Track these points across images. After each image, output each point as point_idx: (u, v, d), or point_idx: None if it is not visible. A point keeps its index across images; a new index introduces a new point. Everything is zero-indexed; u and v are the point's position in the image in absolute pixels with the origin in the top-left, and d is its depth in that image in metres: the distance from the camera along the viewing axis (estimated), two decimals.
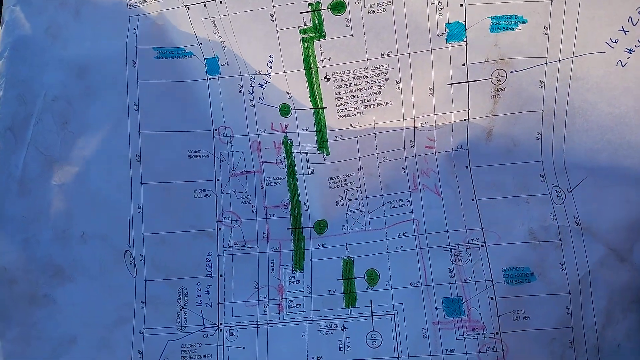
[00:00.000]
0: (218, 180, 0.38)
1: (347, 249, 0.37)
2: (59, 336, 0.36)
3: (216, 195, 0.38)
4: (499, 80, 0.33)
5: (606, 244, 0.34)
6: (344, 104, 0.35)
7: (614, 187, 0.34)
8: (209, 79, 0.38)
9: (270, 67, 0.35)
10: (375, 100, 0.35)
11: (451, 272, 0.35)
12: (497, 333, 0.33)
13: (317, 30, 0.34)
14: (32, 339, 0.36)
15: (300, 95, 0.36)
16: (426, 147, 0.36)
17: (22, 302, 0.36)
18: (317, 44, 0.34)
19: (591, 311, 0.33)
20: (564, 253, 0.34)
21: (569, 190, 0.35)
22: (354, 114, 0.35)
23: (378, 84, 0.34)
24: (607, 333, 0.33)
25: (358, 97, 0.35)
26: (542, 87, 0.33)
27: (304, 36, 0.35)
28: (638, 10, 0.31)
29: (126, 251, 0.37)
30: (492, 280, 0.34)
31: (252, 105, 0.37)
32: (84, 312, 0.36)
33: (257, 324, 0.36)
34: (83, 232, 0.37)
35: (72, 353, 0.36)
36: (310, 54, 0.34)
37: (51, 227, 0.37)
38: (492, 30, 0.32)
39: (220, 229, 0.38)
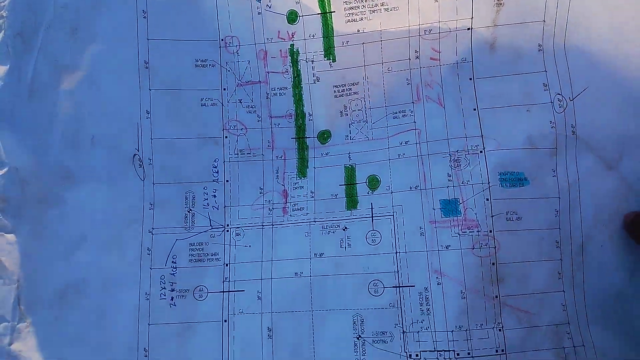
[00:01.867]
0: (224, 89, 0.39)
1: (349, 157, 0.38)
2: (71, 235, 0.37)
3: (222, 104, 0.39)
4: None
5: (597, 153, 0.35)
6: (351, 8, 0.36)
7: (610, 99, 0.35)
8: None
9: None
10: (382, 4, 0.36)
11: (449, 176, 0.36)
12: (490, 231, 0.34)
13: None
14: (45, 237, 0.37)
15: (309, 1, 0.36)
16: (431, 58, 0.37)
17: (33, 202, 0.38)
18: None
19: (578, 215, 0.35)
20: (557, 160, 0.35)
21: (571, 99, 0.36)
22: (362, 19, 0.36)
23: None
24: (592, 234, 0.35)
25: (365, 1, 0.35)
26: None
27: None
28: None
29: (135, 155, 0.38)
30: (488, 183, 0.35)
31: (259, 13, 0.38)
32: (93, 212, 0.38)
33: (263, 225, 0.37)
34: (93, 137, 0.38)
35: (84, 250, 0.37)
36: None
37: (61, 132, 0.38)
38: None
39: (226, 137, 0.39)
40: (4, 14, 0.39)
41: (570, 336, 0.34)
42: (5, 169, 0.38)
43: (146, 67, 0.38)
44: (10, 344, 0.36)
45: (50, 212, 0.37)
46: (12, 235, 0.37)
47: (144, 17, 0.38)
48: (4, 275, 0.37)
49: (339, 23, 0.36)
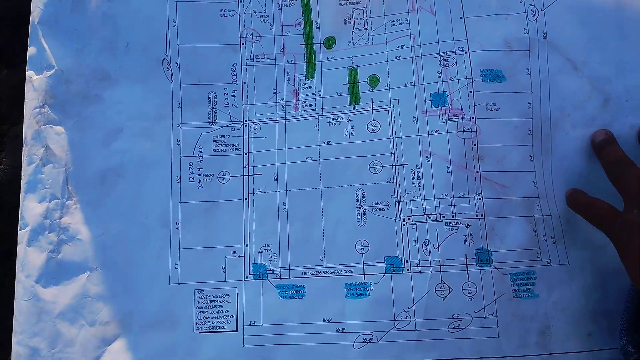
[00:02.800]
0: (240, 1, 0.44)
1: (352, 60, 0.43)
2: (108, 127, 0.43)
3: (239, 15, 0.44)
4: None
5: (565, 56, 0.41)
6: None
7: (577, 8, 0.41)
8: None
9: None
10: None
11: (439, 73, 0.41)
12: (472, 118, 0.40)
13: None
14: (87, 128, 0.43)
15: None
16: None
17: (76, 98, 0.43)
18: None
19: (547, 107, 0.40)
20: (531, 60, 0.41)
21: (542, 9, 0.41)
22: None
23: None
24: (559, 124, 0.40)
25: None
26: None
27: None
28: None
29: (164, 59, 0.44)
30: (471, 78, 0.41)
31: None
32: (128, 108, 0.43)
33: (277, 120, 0.43)
34: (127, 43, 0.44)
35: (120, 140, 0.43)
36: None
37: (100, 39, 0.44)
38: None
39: (242, 44, 0.44)
40: None
41: (539, 207, 0.40)
42: (53, 70, 0.43)
43: None
44: (60, 217, 0.42)
45: (91, 107, 0.43)
46: (60, 127, 0.43)
47: None
48: (54, 160, 0.42)
49: None
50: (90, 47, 0.43)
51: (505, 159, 0.40)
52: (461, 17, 0.42)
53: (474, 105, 0.40)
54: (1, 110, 0.51)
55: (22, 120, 0.44)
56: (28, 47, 0.44)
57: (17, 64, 0.53)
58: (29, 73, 0.44)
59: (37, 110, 0.43)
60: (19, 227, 0.42)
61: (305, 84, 0.44)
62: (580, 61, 0.41)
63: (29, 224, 0.42)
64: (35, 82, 0.43)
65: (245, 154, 0.43)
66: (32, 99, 0.43)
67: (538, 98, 0.41)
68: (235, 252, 0.41)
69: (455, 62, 0.41)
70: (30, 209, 0.42)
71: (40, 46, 0.44)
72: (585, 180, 0.40)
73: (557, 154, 0.40)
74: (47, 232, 0.41)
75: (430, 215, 0.39)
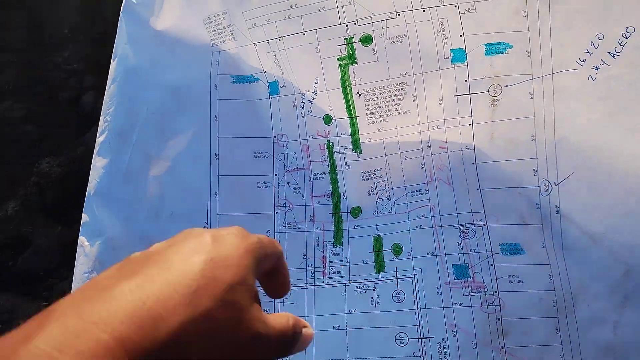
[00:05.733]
0: (276, 175, 0.49)
1: (377, 229, 0.46)
2: None
3: (274, 187, 0.49)
4: (496, 93, 0.43)
5: (581, 228, 0.42)
6: (372, 113, 0.46)
7: (594, 182, 0.43)
8: (271, 97, 0.49)
9: (316, 87, 0.47)
10: (396, 109, 0.46)
11: (460, 245, 0.44)
12: (495, 292, 0.41)
13: (350, 58, 0.46)
14: None
15: (339, 108, 0.47)
16: (440, 147, 0.46)
17: None
18: (351, 68, 0.46)
19: (567, 280, 0.41)
20: (544, 234, 0.42)
21: (556, 184, 0.44)
22: (380, 121, 0.46)
23: (399, 97, 0.45)
24: (579, 296, 0.41)
25: (383, 107, 0.46)
26: (532, 98, 0.43)
27: (341, 63, 0.46)
28: (597, 37, 0.41)
29: (205, 227, 0.48)
30: (491, 251, 0.43)
31: (302, 117, 0.48)
32: None
33: (306, 286, 0.45)
34: (172, 212, 0.48)
35: None
36: (346, 76, 0.46)
37: (147, 209, 0.48)
38: (486, 54, 0.43)
39: (276, 213, 0.48)
40: (109, 119, 0.50)
41: None
42: (104, 238, 0.47)
43: (216, 158, 0.49)
44: None
45: None
46: None
47: (216, 120, 0.49)
48: None
49: (362, 125, 0.46)
50: (137, 215, 0.48)
51: (531, 333, 0.40)
52: (477, 189, 0.45)
53: (497, 279, 0.42)
54: (52, 265, 0.56)
55: (70, 277, 0.47)
56: (82, 214, 0.49)
57: (69, 222, 0.58)
58: (81, 239, 0.48)
59: (87, 275, 0.47)
60: None
61: (333, 250, 0.46)
62: (598, 233, 0.42)
63: None
64: (86, 248, 0.48)
65: None
66: (82, 264, 0.47)
67: (557, 271, 0.42)
68: None
69: (475, 234, 0.43)
70: None
71: (93, 215, 0.49)
72: (613, 349, 0.39)
73: (582, 327, 0.40)
74: None
75: None
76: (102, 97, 0.51)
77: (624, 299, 0.40)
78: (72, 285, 0.47)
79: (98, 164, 0.50)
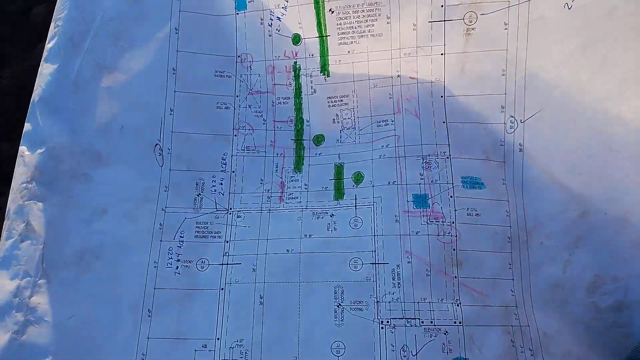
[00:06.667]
0: (237, 96, 0.46)
1: (339, 157, 0.45)
2: (93, 207, 0.43)
3: (234, 108, 0.46)
4: (471, 22, 0.42)
5: (542, 167, 0.42)
6: (343, 33, 0.44)
7: (560, 122, 0.42)
8: (237, 14, 0.46)
9: (287, 1, 0.44)
10: (369, 31, 0.44)
11: (422, 175, 0.43)
12: (453, 222, 0.41)
13: None
14: (71, 207, 0.43)
15: (309, 26, 0.44)
16: (410, 77, 0.44)
17: (64, 176, 0.44)
18: None
19: (522, 216, 0.41)
20: (506, 171, 0.42)
21: (522, 122, 0.43)
22: (351, 42, 0.44)
23: (372, 17, 0.44)
24: (534, 234, 0.41)
25: (355, 27, 0.44)
26: (506, 29, 0.42)
27: None
28: None
29: (156, 144, 0.45)
30: (452, 183, 0.42)
31: (269, 35, 0.46)
32: (115, 190, 0.44)
33: (261, 210, 0.44)
34: (122, 126, 0.45)
35: (104, 221, 0.43)
36: None
37: (96, 120, 0.45)
38: None
39: (235, 135, 0.46)
40: (59, 24, 0.46)
41: (517, 317, 0.39)
42: (44, 148, 0.44)
43: (174, 74, 0.46)
44: (30, 296, 0.41)
45: (78, 186, 0.43)
46: (41, 203, 0.43)
47: (176, 33, 0.46)
48: (33, 236, 0.42)
49: (333, 45, 0.45)
50: (85, 127, 0.45)
51: (484, 266, 0.40)
52: (444, 122, 0.44)
53: (455, 210, 0.41)
54: None
55: (6, 193, 0.44)
56: (25, 123, 0.45)
57: (11, 138, 0.54)
58: (22, 148, 0.44)
59: (24, 185, 0.43)
60: None
61: (292, 177, 0.45)
62: (559, 172, 0.42)
63: None
64: (26, 157, 0.44)
65: (227, 242, 0.43)
66: (20, 174, 0.44)
67: (514, 207, 0.41)
68: (205, 346, 0.39)
69: (437, 165, 0.43)
70: (2, 285, 0.41)
71: (36, 123, 0.45)
72: (561, 289, 0.40)
73: (533, 263, 0.40)
74: (14, 311, 0.40)
75: (409, 320, 0.39)
76: (53, 11, 0.47)
77: (577, 239, 0.40)
78: (10, 196, 0.44)
79: (45, 70, 0.46)
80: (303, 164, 0.45)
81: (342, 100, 0.45)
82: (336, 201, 0.43)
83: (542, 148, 0.42)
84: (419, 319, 0.39)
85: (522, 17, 0.41)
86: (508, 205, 0.42)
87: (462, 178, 0.42)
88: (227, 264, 0.42)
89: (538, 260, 0.40)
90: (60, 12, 0.46)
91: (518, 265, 0.40)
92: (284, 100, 0.46)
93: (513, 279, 0.40)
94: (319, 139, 0.46)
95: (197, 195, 0.44)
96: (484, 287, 0.40)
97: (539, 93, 0.42)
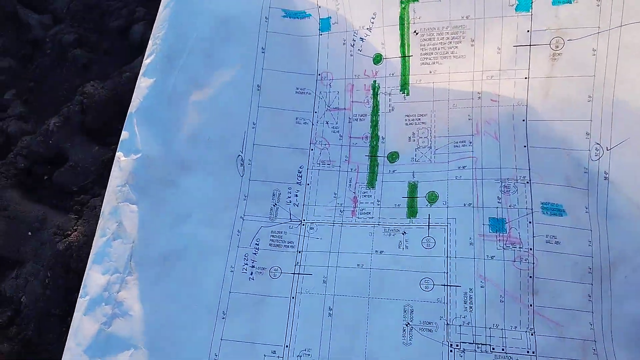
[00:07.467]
0: (315, 112, 0.48)
1: (413, 175, 0.45)
2: (178, 212, 0.46)
3: (312, 124, 0.48)
4: (557, 47, 0.41)
5: (627, 197, 0.39)
6: (426, 54, 0.45)
7: None
8: (320, 34, 0.48)
9: (372, 23, 0.46)
10: (452, 53, 0.44)
11: (499, 199, 0.42)
12: (530, 249, 0.40)
13: None
14: (159, 210, 0.46)
15: (392, 46, 0.45)
16: (491, 100, 0.44)
17: (155, 182, 0.47)
18: (411, 5, 0.44)
19: (606, 248, 0.39)
20: (589, 199, 0.40)
21: (608, 149, 0.41)
22: (433, 63, 0.45)
23: (456, 40, 0.44)
24: (618, 266, 0.38)
25: (438, 49, 0.44)
26: (594, 55, 0.41)
27: None
28: None
29: (239, 156, 0.47)
30: (531, 209, 0.41)
31: (351, 55, 0.47)
32: (199, 196, 0.46)
33: (333, 223, 0.45)
34: (209, 138, 0.48)
35: (188, 224, 0.46)
36: (405, 13, 0.45)
37: (185, 132, 0.48)
38: (553, 3, 0.41)
39: (312, 150, 0.47)
40: (158, 42, 0.51)
41: (595, 352, 0.37)
42: (139, 155, 0.48)
43: (258, 90, 0.48)
44: (118, 291, 0.44)
45: (167, 191, 0.47)
46: (135, 205, 0.46)
47: (262, 52, 0.49)
48: (124, 236, 0.46)
49: (415, 65, 0.45)
50: (175, 137, 0.48)
51: (562, 296, 0.39)
52: (524, 146, 0.43)
53: (533, 237, 0.40)
54: (87, 182, 0.57)
55: (103, 194, 0.48)
56: (122, 132, 0.49)
57: (107, 143, 0.59)
58: (119, 154, 0.49)
59: (119, 188, 0.47)
60: (79, 295, 0.44)
61: (365, 192, 0.45)
62: None
63: (89, 293, 0.44)
64: (122, 163, 0.48)
65: (299, 252, 0.44)
66: (116, 177, 0.48)
67: (597, 237, 0.40)
68: (274, 352, 0.41)
69: (517, 190, 0.42)
70: (94, 279, 0.45)
71: (132, 132, 0.49)
72: None
73: (616, 297, 0.38)
74: (104, 304, 0.44)
75: (480, 345, 0.38)
76: (151, 29, 0.51)
77: None
78: (105, 197, 0.48)
79: (143, 84, 0.50)
80: (376, 180, 0.46)
81: (419, 119, 0.46)
82: (409, 219, 0.43)
83: (629, 177, 0.40)
84: (489, 344, 0.38)
85: (613, 43, 0.40)
86: (590, 234, 0.40)
87: (542, 204, 0.41)
88: (299, 274, 0.43)
89: (622, 294, 0.38)
90: (158, 31, 0.51)
91: (599, 298, 0.39)
92: (361, 117, 0.47)
93: (592, 312, 0.38)
94: (393, 156, 0.46)
95: (274, 205, 0.46)
96: (561, 318, 0.38)
97: (626, 120, 0.40)
